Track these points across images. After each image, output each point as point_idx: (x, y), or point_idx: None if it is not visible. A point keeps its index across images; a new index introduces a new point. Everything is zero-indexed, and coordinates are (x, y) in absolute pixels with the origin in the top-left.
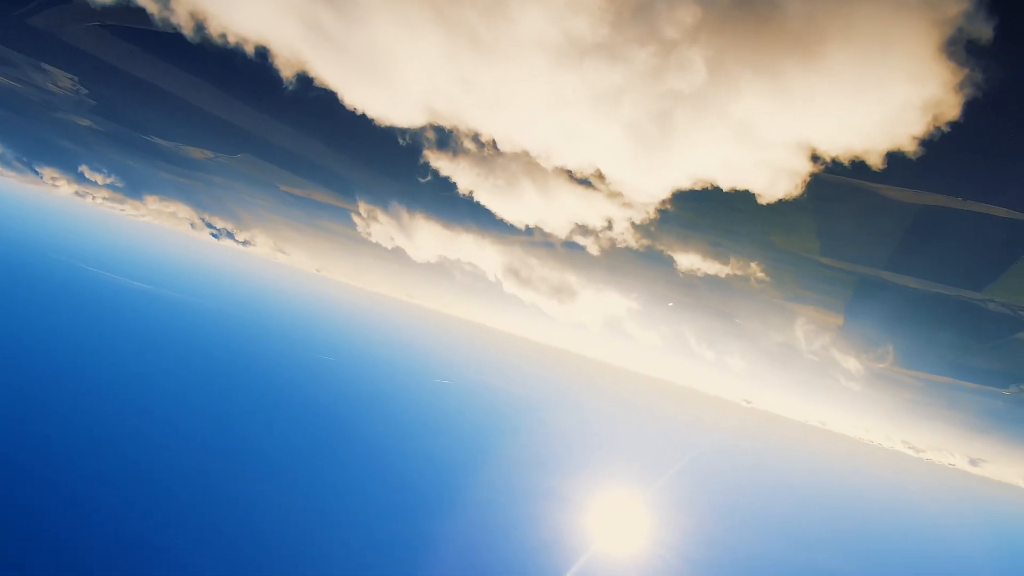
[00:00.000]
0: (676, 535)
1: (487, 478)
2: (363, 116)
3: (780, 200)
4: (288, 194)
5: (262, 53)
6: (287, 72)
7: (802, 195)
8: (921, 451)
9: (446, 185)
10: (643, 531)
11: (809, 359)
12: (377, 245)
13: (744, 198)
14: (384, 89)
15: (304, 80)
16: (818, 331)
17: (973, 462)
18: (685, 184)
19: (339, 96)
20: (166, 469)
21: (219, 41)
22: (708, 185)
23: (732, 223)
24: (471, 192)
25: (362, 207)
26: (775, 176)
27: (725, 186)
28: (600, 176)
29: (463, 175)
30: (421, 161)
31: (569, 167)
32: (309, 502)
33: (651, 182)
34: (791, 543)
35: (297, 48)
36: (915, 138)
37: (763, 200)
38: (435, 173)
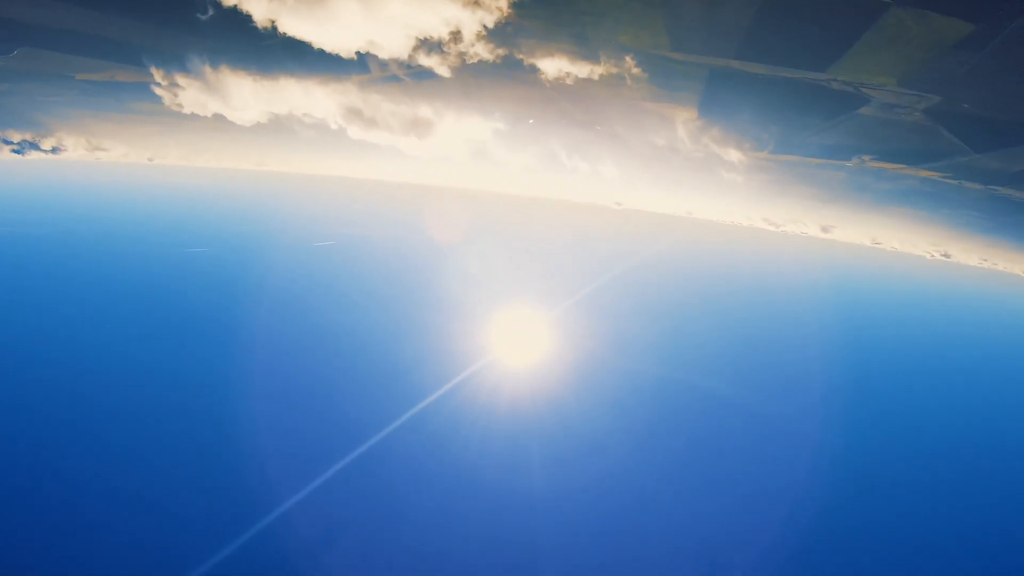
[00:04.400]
0: (563, 341)
1: (397, 319)
2: None
3: None
4: (87, 82)
5: None
6: None
7: None
8: (779, 225)
9: (237, 19)
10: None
11: (682, 155)
12: (195, 116)
13: None
14: None
15: None
16: (674, 126)
17: (824, 229)
18: None
19: None
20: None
21: None
22: None
23: (583, 26)
24: (272, 23)
25: (157, 75)
26: None
27: None
28: None
29: (255, 2)
30: None
31: None
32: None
33: None
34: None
35: None
36: None
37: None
38: (216, 5)
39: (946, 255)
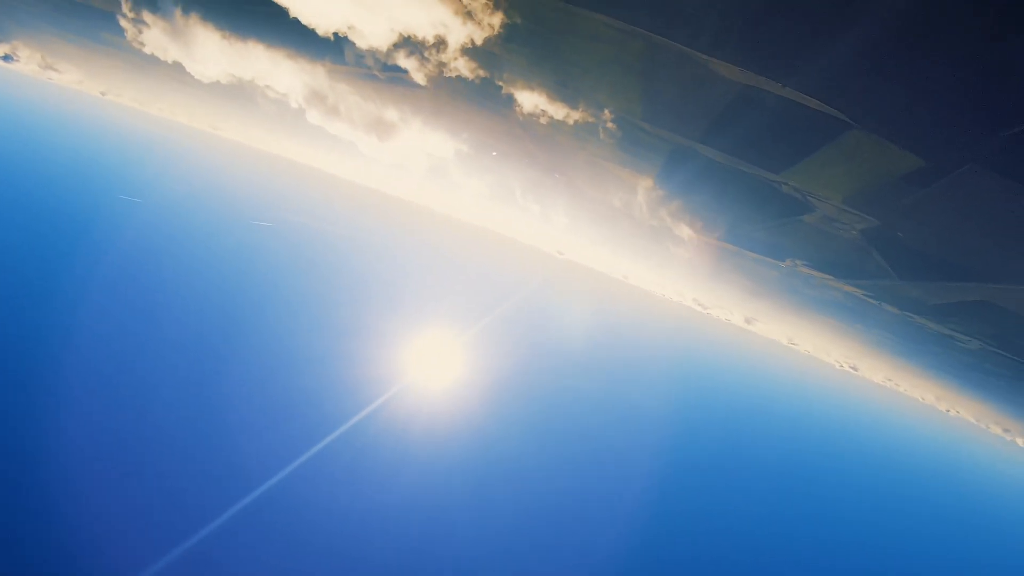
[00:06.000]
0: (477, 374)
1: (310, 319)
2: None
3: (612, 58)
4: None
5: None
6: None
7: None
8: (707, 308)
9: None
10: (449, 368)
11: (636, 221)
12: (155, 59)
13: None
14: None
15: None
16: (634, 191)
17: (748, 320)
18: None
19: None
20: None
21: None
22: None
23: (567, 73)
24: None
25: (125, 5)
26: None
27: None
28: None
29: None
30: None
31: None
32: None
33: None
34: (583, 380)
35: None
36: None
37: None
38: None
39: (854, 368)
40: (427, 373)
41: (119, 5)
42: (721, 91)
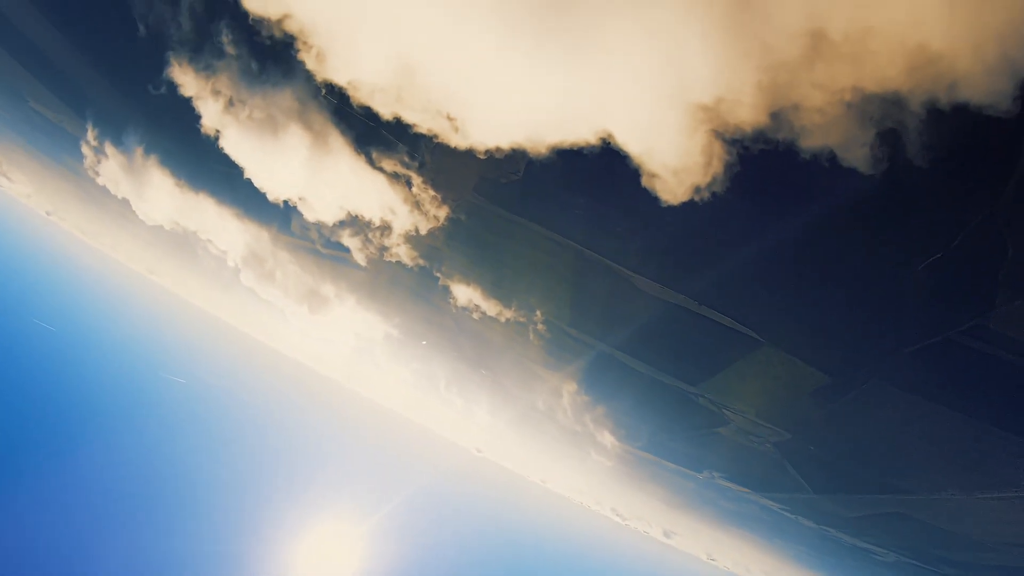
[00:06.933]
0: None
1: (205, 490)
2: None
3: (546, 266)
4: (35, 113)
5: None
6: None
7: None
8: (626, 519)
9: (187, 113)
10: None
11: (559, 425)
12: (105, 191)
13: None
14: None
15: None
16: (559, 395)
17: (667, 533)
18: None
19: None
20: None
21: None
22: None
23: (501, 275)
24: (217, 132)
25: (91, 133)
26: None
27: None
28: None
29: (211, 103)
30: (165, 69)
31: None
32: None
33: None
34: None
35: None
36: None
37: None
38: (171, 86)
39: None
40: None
41: (86, 131)
42: (644, 305)
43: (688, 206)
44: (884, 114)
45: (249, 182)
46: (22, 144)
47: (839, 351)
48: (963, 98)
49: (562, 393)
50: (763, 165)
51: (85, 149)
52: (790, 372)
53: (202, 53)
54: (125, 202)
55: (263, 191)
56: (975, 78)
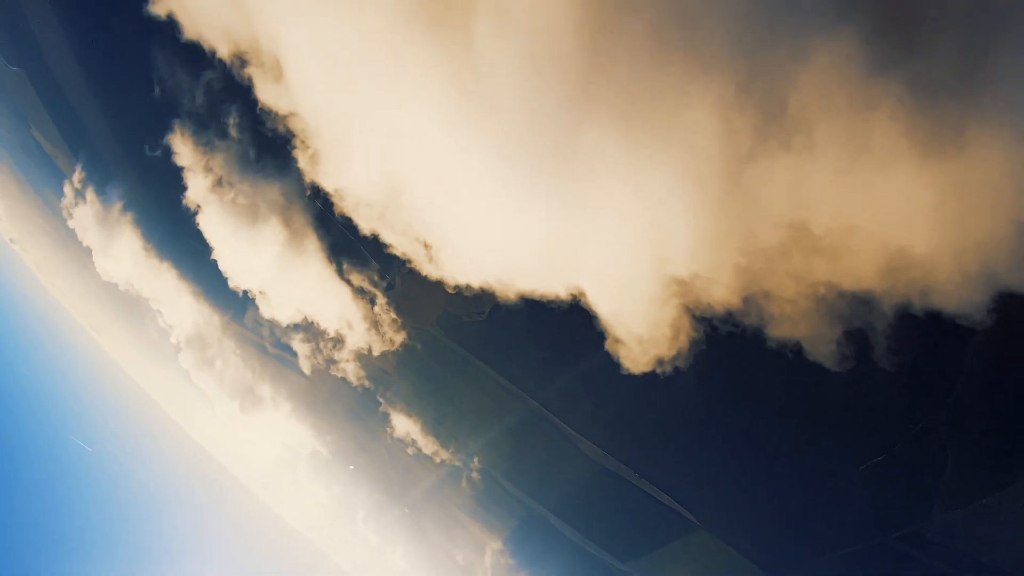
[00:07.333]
0: None
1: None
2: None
3: (492, 411)
4: (33, 142)
5: None
6: None
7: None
8: None
9: (175, 177)
10: None
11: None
12: (72, 235)
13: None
14: None
15: None
16: (482, 551)
17: None
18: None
19: None
20: None
21: None
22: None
23: (444, 414)
24: (198, 207)
25: (77, 175)
26: None
27: None
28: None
29: (200, 178)
30: (167, 134)
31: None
32: None
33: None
34: None
35: None
36: None
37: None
38: (168, 151)
39: None
40: None
41: (74, 171)
42: (584, 468)
43: (648, 377)
44: (854, 313)
45: (215, 264)
46: (10, 166)
47: (775, 546)
48: (936, 305)
49: (486, 550)
50: (728, 348)
51: (67, 188)
52: (723, 562)
53: (207, 129)
54: (88, 251)
55: (226, 275)
56: (951, 286)
